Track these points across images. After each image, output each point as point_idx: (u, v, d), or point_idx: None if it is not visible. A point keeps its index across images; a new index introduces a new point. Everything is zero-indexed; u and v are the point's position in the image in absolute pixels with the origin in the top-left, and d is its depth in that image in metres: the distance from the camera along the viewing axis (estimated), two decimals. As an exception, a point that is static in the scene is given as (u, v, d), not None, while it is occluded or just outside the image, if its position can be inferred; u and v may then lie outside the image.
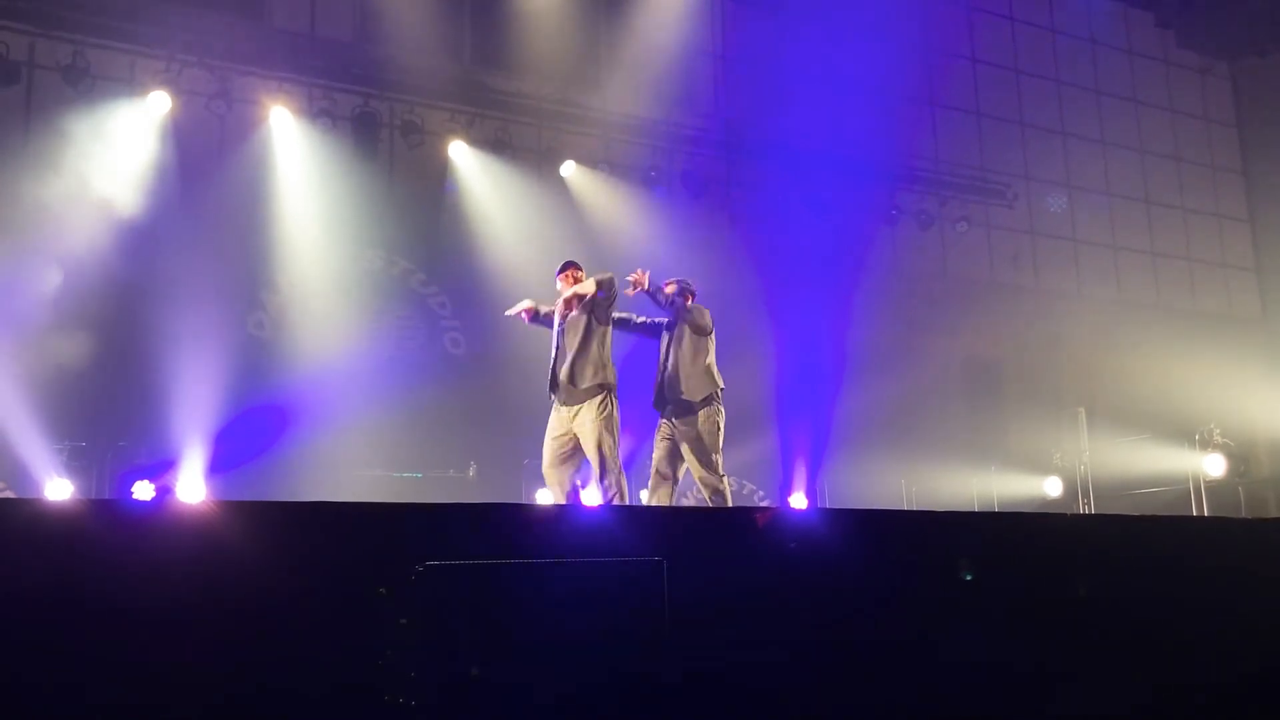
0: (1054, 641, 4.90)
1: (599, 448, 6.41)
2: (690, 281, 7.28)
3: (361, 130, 11.98)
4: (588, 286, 6.58)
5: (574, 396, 6.51)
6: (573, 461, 6.64)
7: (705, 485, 6.93)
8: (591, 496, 6.59)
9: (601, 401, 6.48)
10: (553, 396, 6.67)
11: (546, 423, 6.74)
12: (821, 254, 13.10)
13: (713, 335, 7.09)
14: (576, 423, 6.51)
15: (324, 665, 3.64)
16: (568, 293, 6.63)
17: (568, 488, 6.66)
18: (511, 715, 3.75)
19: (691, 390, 6.94)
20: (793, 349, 12.74)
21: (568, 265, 6.92)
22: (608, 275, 6.67)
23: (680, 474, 7.08)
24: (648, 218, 12.91)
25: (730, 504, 7.03)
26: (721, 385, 7.03)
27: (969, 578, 4.77)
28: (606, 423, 6.46)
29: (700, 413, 6.92)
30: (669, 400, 7.01)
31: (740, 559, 4.52)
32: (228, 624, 3.56)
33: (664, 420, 7.04)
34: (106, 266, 10.32)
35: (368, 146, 12.03)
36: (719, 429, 6.95)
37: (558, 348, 6.66)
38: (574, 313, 6.62)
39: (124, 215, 10.52)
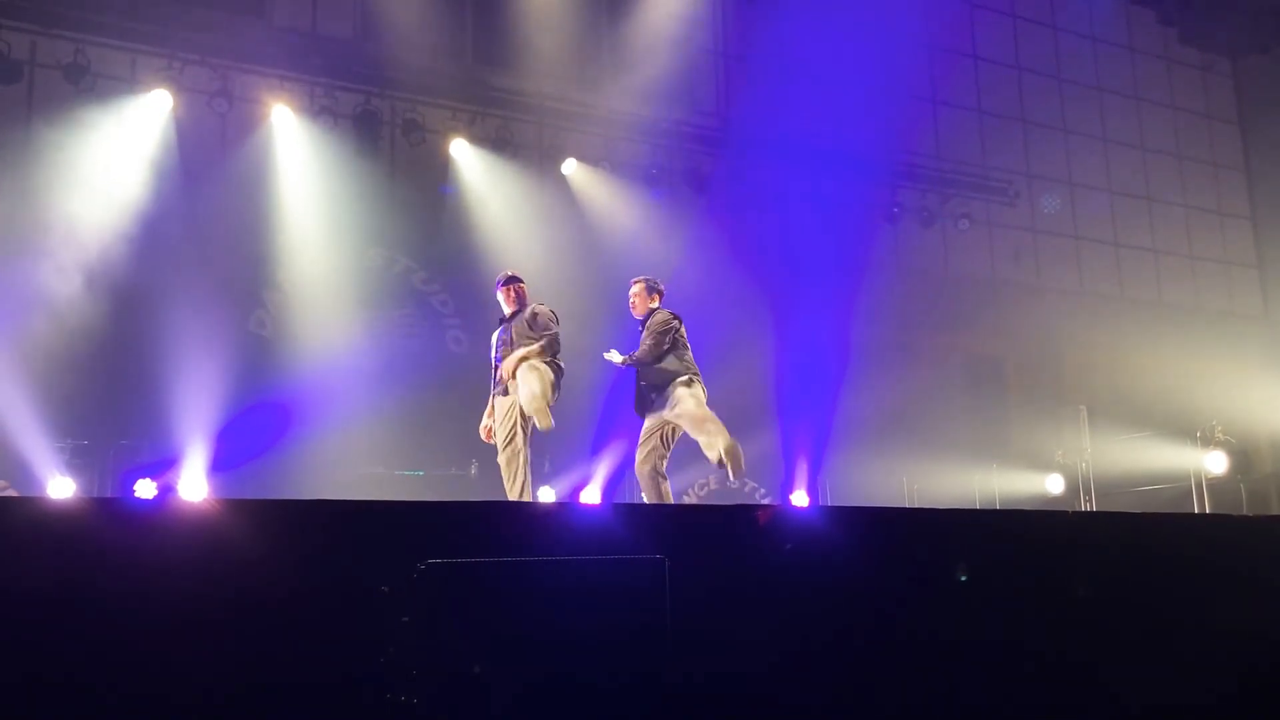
0: (1056, 639, 4.90)
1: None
2: (656, 280, 7.26)
3: (363, 128, 11.99)
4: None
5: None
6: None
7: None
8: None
9: None
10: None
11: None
12: (823, 251, 13.10)
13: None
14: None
15: (326, 663, 3.64)
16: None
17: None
18: (513, 713, 3.75)
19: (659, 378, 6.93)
20: (794, 346, 12.75)
21: (510, 280, 7.00)
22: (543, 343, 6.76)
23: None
24: (649, 215, 12.92)
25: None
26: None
27: (964, 579, 4.77)
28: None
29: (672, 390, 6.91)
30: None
31: (742, 557, 4.51)
32: (230, 622, 3.56)
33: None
34: (108, 265, 10.33)
35: (369, 145, 12.04)
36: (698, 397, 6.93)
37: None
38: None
39: (126, 213, 10.53)
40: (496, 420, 6.84)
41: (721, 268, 12.20)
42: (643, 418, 6.93)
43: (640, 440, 6.91)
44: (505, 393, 6.80)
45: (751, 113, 14.00)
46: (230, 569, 3.60)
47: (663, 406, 6.78)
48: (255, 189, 11.39)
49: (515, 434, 6.73)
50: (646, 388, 6.90)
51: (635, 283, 7.18)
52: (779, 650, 4.31)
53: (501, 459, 6.76)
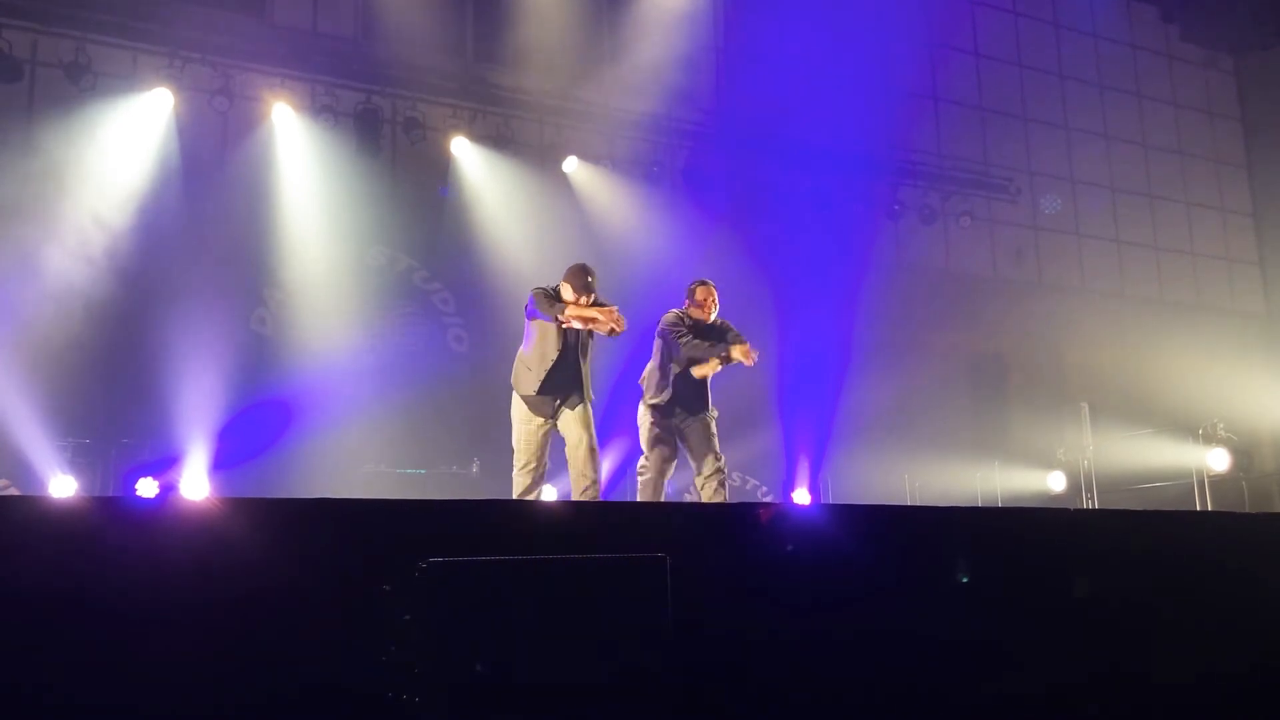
0: (1057, 637, 4.90)
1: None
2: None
3: (363, 126, 11.97)
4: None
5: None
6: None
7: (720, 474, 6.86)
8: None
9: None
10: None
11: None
12: (824, 249, 13.10)
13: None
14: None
15: (327, 662, 3.64)
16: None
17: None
18: (515, 711, 3.75)
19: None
20: (795, 344, 12.74)
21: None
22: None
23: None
24: (650, 213, 12.90)
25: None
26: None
27: (965, 580, 4.77)
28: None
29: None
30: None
31: (743, 555, 4.51)
32: (231, 621, 3.56)
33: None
34: (109, 263, 10.33)
35: (370, 143, 12.02)
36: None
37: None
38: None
39: (126, 212, 10.53)
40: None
41: (722, 265, 12.16)
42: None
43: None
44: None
45: (753, 110, 13.98)
46: (231, 568, 3.61)
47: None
48: (256, 187, 11.39)
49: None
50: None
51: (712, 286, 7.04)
52: (780, 648, 4.31)
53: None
